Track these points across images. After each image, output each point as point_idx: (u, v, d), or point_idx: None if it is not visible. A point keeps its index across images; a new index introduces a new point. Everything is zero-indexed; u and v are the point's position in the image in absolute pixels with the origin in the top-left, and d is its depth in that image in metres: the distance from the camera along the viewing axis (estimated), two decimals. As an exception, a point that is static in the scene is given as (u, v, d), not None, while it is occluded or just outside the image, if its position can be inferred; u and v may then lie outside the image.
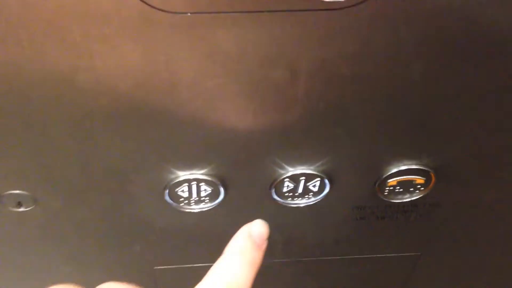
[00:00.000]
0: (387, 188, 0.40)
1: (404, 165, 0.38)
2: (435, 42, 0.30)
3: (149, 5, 0.27)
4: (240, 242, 0.33)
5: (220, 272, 0.31)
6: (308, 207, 0.41)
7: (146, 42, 0.29)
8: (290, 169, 0.38)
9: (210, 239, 0.46)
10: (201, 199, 0.40)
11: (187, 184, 0.38)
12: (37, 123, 0.33)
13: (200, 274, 0.51)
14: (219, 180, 0.38)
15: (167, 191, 0.39)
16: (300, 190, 0.40)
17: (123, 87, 0.31)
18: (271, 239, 0.47)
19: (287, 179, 0.39)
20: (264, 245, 0.33)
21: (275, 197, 0.40)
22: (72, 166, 0.36)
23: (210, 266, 0.49)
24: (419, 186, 0.40)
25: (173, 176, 0.38)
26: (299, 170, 0.38)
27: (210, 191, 0.39)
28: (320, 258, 0.50)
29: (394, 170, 0.38)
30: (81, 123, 0.33)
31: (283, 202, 0.41)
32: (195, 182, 0.38)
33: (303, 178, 0.39)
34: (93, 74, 0.30)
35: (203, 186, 0.39)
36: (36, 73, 0.30)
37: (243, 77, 0.31)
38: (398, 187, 0.40)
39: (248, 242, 0.33)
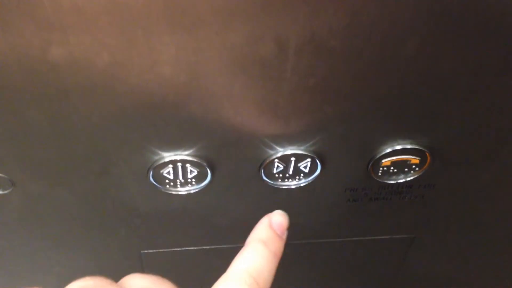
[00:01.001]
0: (381, 168, 0.39)
1: (399, 144, 0.37)
2: (430, 16, 0.28)
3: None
4: (262, 232, 0.32)
5: (244, 263, 0.30)
6: (299, 188, 0.40)
7: (122, 15, 0.27)
8: (279, 149, 0.37)
9: (198, 222, 0.45)
10: (188, 181, 0.38)
11: (172, 165, 0.37)
12: (9, 102, 0.31)
13: (188, 257, 0.50)
14: (206, 161, 0.37)
15: (151, 172, 0.37)
16: (290, 171, 0.38)
17: (100, 63, 0.29)
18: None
19: (277, 160, 0.37)
20: (284, 236, 0.34)
21: (265, 178, 0.39)
22: (49, 147, 0.34)
23: (198, 249, 0.48)
24: (414, 167, 0.39)
25: (157, 157, 0.36)
26: (289, 150, 0.37)
27: (196, 173, 0.38)
28: (311, 241, 0.49)
29: (388, 150, 0.37)
30: (56, 102, 0.31)
31: (273, 184, 0.39)
32: (180, 164, 0.37)
33: (294, 158, 0.37)
34: (67, 49, 0.28)
35: (189, 168, 0.37)
36: (6, 49, 0.28)
37: (228, 52, 0.29)
38: (392, 168, 0.38)
39: (270, 232, 0.33)
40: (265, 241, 0.32)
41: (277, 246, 0.32)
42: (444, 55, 0.30)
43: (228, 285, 0.29)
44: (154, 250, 0.47)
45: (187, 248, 0.47)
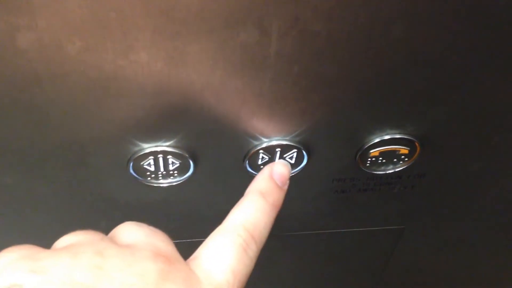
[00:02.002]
0: (369, 159, 0.37)
1: (387, 134, 0.35)
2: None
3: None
4: (261, 183, 0.32)
5: (239, 215, 0.30)
6: (285, 180, 0.39)
7: (94, -4, 0.25)
8: (264, 139, 0.35)
9: (181, 214, 0.43)
10: (170, 172, 0.37)
11: (152, 157, 0.35)
12: None
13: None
14: (188, 152, 0.35)
15: (131, 164, 0.35)
16: (276, 162, 0.37)
17: (71, 49, 0.27)
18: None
19: (262, 151, 0.36)
20: (285, 186, 0.33)
21: (250, 169, 0.37)
22: (23, 138, 0.33)
23: (182, 242, 0.47)
24: (403, 157, 0.37)
25: (136, 149, 0.35)
26: (274, 141, 0.35)
27: (178, 164, 0.36)
28: (299, 232, 0.47)
29: (377, 139, 0.36)
30: (27, 90, 0.29)
31: (258, 175, 0.38)
32: (161, 155, 0.35)
33: (279, 149, 0.36)
34: (36, 34, 0.26)
35: (171, 159, 0.36)
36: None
37: (207, 36, 0.28)
38: (380, 158, 0.37)
39: (270, 183, 0.32)
40: (264, 192, 0.31)
41: (277, 197, 0.32)
42: (433, 38, 0.29)
43: (222, 238, 0.28)
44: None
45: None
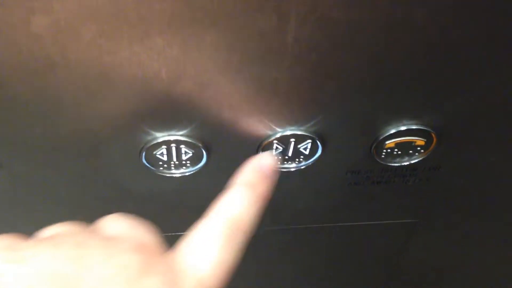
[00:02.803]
0: (385, 150, 0.37)
1: (404, 125, 0.35)
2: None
3: None
4: (249, 174, 0.31)
5: (227, 206, 0.29)
6: (298, 171, 0.38)
7: (110, -20, 0.25)
8: (279, 129, 0.35)
9: (193, 205, 0.43)
10: (182, 162, 0.37)
11: (165, 146, 0.35)
12: None
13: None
14: (201, 142, 0.35)
15: (143, 154, 0.35)
16: (290, 153, 0.37)
17: (88, 34, 0.27)
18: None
19: (276, 141, 0.35)
20: (273, 178, 0.32)
21: (263, 160, 0.37)
22: (35, 125, 0.32)
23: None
24: (419, 148, 0.37)
25: (149, 138, 0.34)
26: (288, 131, 0.35)
27: (191, 154, 0.36)
28: (311, 225, 0.47)
29: (393, 131, 0.35)
30: (42, 77, 0.29)
31: (272, 166, 0.38)
32: (174, 144, 0.35)
33: (293, 139, 0.35)
34: (51, 18, 0.26)
35: (184, 149, 0.35)
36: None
37: (224, 22, 0.27)
38: (396, 150, 0.37)
39: (258, 174, 0.31)
40: (251, 184, 0.31)
41: (264, 188, 0.31)
42: (453, 26, 0.28)
43: (209, 229, 0.28)
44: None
45: (181, 233, 0.46)
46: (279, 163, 0.34)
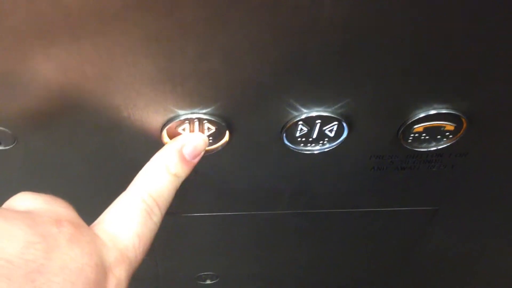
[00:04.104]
0: (412, 135, 0.36)
1: (434, 109, 0.34)
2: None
3: None
4: (166, 156, 0.33)
5: (144, 182, 0.31)
6: (322, 154, 0.37)
7: None
8: (304, 110, 0.34)
9: (212, 187, 0.42)
10: (204, 141, 0.36)
11: (188, 123, 0.34)
12: (14, 48, 0.28)
13: (200, 223, 0.48)
14: (224, 120, 0.34)
15: (164, 131, 0.34)
16: (314, 135, 0.36)
17: (117, 4, 0.26)
18: (277, 190, 0.43)
19: (301, 122, 0.34)
20: (196, 159, 0.34)
21: (286, 142, 0.36)
22: (54, 98, 0.31)
23: (209, 215, 0.46)
24: (447, 134, 0.36)
25: (172, 115, 0.33)
26: (314, 112, 0.34)
27: (213, 131, 0.35)
28: (329, 210, 0.46)
29: (422, 114, 0.34)
30: (65, 49, 0.28)
31: (295, 148, 0.37)
32: (197, 122, 0.34)
33: (319, 121, 0.34)
34: None
35: (207, 125, 0.34)
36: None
37: (257, -5, 0.26)
38: (424, 134, 0.36)
39: (175, 157, 0.33)
40: (167, 165, 0.32)
41: (181, 170, 0.33)
42: (488, 12, 0.27)
43: (128, 203, 0.29)
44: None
45: (198, 214, 0.45)
46: (208, 145, 0.35)
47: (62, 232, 0.24)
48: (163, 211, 0.31)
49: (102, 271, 0.25)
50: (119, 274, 0.26)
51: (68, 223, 0.25)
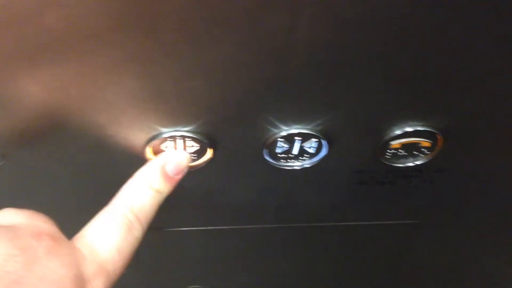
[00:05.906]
0: (390, 151, 0.37)
1: (410, 126, 0.35)
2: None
3: None
4: (148, 173, 0.33)
5: (126, 196, 0.32)
6: (303, 170, 0.38)
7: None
8: (284, 128, 0.35)
9: (195, 202, 0.43)
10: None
11: (172, 141, 0.35)
12: (1, 69, 0.29)
13: (185, 238, 0.48)
14: (207, 138, 0.35)
15: (149, 148, 0.35)
16: (295, 151, 0.37)
17: (99, 26, 0.27)
18: (262, 204, 0.44)
19: (281, 139, 0.35)
20: (179, 176, 0.34)
21: (268, 158, 0.37)
22: (41, 117, 0.32)
23: (196, 230, 0.47)
24: (424, 150, 0.37)
25: (155, 133, 0.34)
26: (294, 129, 0.35)
27: (197, 148, 0.36)
28: (314, 224, 0.47)
29: (398, 131, 0.35)
30: (50, 70, 0.29)
31: (276, 164, 0.38)
32: (180, 139, 0.35)
33: (299, 138, 0.35)
34: (64, 12, 0.26)
35: (190, 142, 0.35)
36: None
37: (234, 20, 0.27)
38: (401, 150, 0.37)
39: (157, 174, 0.33)
40: (150, 182, 0.33)
41: (163, 186, 0.33)
42: (463, 28, 0.28)
43: (109, 218, 0.30)
44: (150, 229, 0.45)
45: (183, 229, 0.46)
46: (191, 162, 0.36)
47: (41, 245, 0.25)
48: (145, 226, 0.31)
49: (80, 283, 0.25)
50: (97, 286, 0.27)
51: (48, 237, 0.26)
